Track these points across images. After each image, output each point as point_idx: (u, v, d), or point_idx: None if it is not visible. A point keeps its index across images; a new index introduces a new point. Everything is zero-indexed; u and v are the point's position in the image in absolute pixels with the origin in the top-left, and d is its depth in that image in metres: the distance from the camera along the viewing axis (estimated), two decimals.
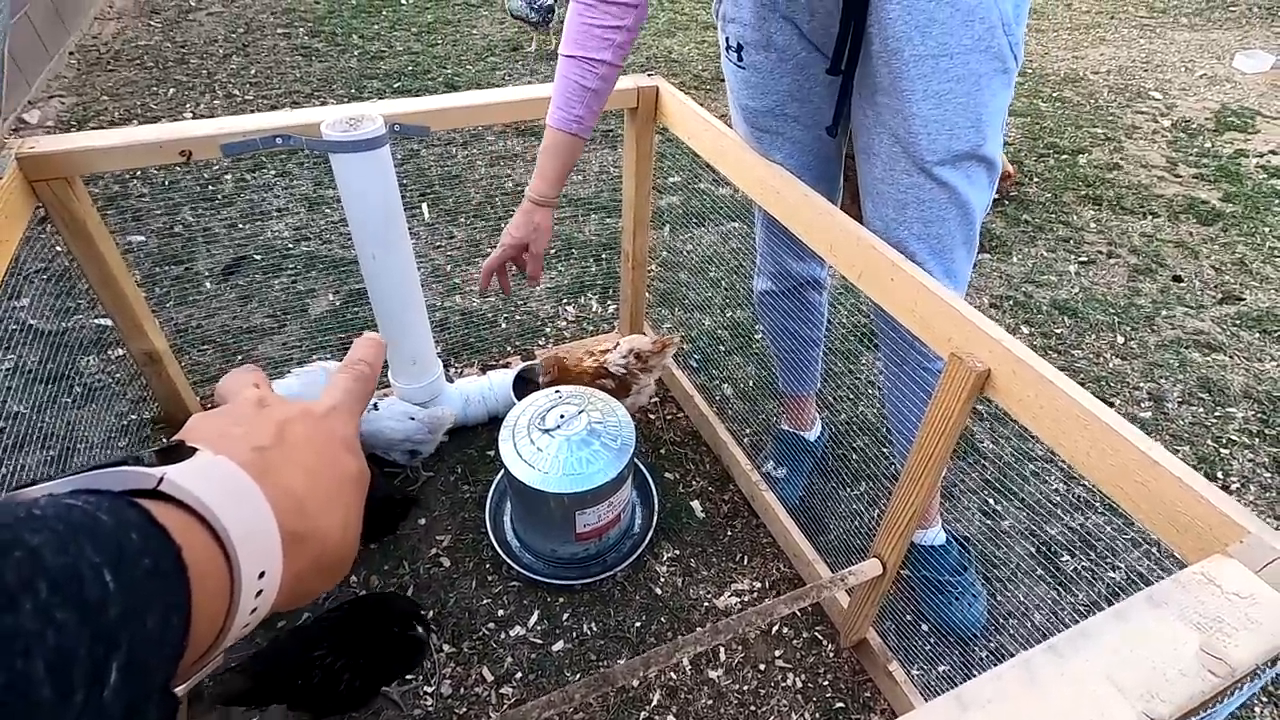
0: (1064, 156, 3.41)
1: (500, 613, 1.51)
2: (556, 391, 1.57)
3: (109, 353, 2.12)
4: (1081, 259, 2.73)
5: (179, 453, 0.33)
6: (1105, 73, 4.45)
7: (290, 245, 2.62)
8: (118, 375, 2.04)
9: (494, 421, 1.90)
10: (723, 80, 1.38)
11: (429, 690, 1.37)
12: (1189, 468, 0.75)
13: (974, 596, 1.49)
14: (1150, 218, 2.99)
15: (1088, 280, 2.61)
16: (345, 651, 1.20)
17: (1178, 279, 2.64)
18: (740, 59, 1.26)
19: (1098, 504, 1.73)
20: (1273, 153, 3.52)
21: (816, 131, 1.27)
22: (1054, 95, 4.10)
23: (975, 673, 1.41)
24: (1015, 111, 3.87)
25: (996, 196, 3.03)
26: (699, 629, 1.15)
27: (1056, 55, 4.75)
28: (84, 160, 1.26)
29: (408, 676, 1.38)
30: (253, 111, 3.58)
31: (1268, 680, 0.70)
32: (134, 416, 1.91)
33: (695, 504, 1.76)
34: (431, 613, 1.49)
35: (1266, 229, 2.92)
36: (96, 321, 2.19)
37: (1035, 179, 3.23)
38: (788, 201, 1.23)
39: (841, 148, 1.35)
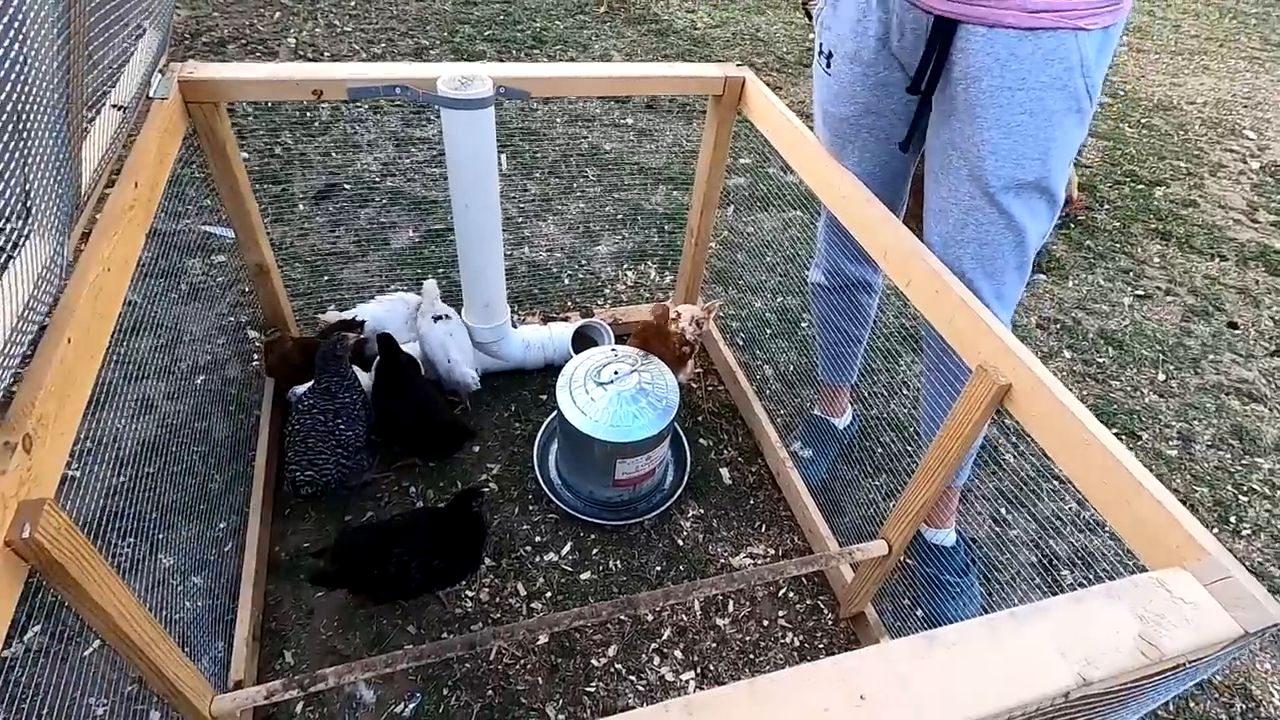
0: (1140, 186, 3.37)
1: (537, 539, 1.68)
2: (613, 350, 1.71)
3: (212, 259, 2.33)
4: (1138, 292, 2.74)
5: None
6: (1201, 104, 4.31)
7: (377, 179, 2.79)
8: (219, 280, 2.25)
9: (549, 368, 2.05)
10: (806, 65, 1.46)
11: (469, 595, 1.56)
12: (1169, 493, 0.85)
13: (970, 599, 1.60)
14: (1218, 260, 2.97)
15: (1140, 314, 2.63)
16: (419, 553, 1.38)
17: (1233, 325, 2.64)
18: (829, 66, 1.35)
19: (1108, 529, 1.82)
20: None
21: (889, 146, 1.36)
22: (1142, 121, 4.01)
23: None
24: (1097, 134, 3.81)
25: (1061, 219, 3.03)
26: (714, 575, 1.30)
27: (1153, 80, 4.61)
28: (233, 88, 1.42)
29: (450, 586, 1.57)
30: (350, 41, 3.75)
31: (1191, 686, 0.81)
32: (231, 319, 2.12)
33: (724, 471, 1.90)
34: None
35: None
36: (202, 228, 2.40)
37: (1107, 206, 3.21)
38: (852, 206, 1.33)
39: (911, 166, 1.44)
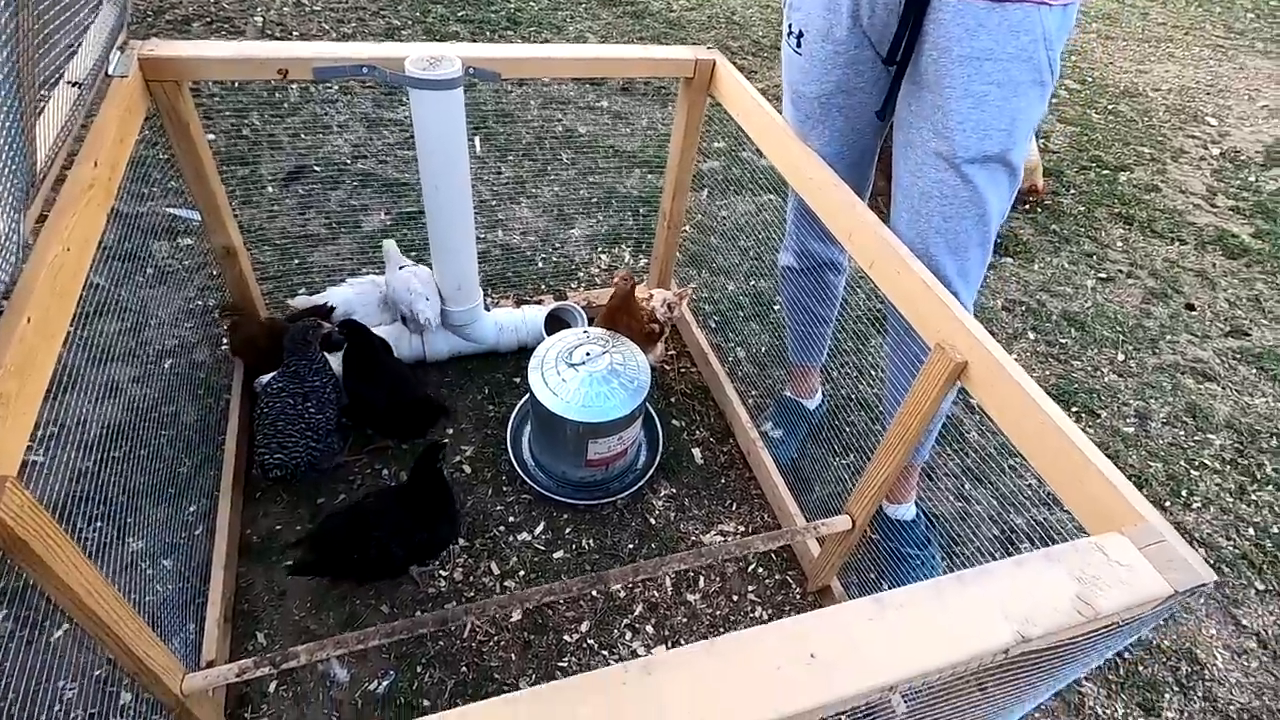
0: (1105, 172, 3.44)
1: (510, 519, 1.70)
2: (585, 331, 1.73)
3: (178, 241, 2.29)
4: (1101, 275, 2.81)
5: None
6: (1166, 91, 4.40)
7: (348, 161, 2.76)
8: (186, 263, 2.22)
9: (522, 351, 2.06)
10: (780, 48, 1.48)
11: (444, 574, 1.58)
12: (1110, 463, 0.89)
13: (931, 570, 1.65)
14: (1178, 244, 3.05)
15: (1102, 296, 2.70)
16: (398, 532, 1.39)
17: (1190, 307, 2.72)
18: (799, 46, 1.37)
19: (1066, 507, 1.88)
20: None
21: (858, 124, 1.38)
22: (1109, 108, 4.09)
23: None
24: (1065, 120, 3.88)
25: (1029, 204, 3.09)
26: (684, 550, 1.32)
27: (1120, 66, 4.69)
28: (195, 67, 1.40)
29: (427, 560, 1.58)
30: (319, 20, 3.68)
31: (1129, 643, 0.86)
32: (200, 302, 2.09)
33: (696, 451, 1.93)
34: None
35: None
36: (168, 210, 2.36)
37: (1072, 190, 3.27)
38: (818, 187, 1.36)
39: (878, 144, 1.46)
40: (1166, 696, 1.56)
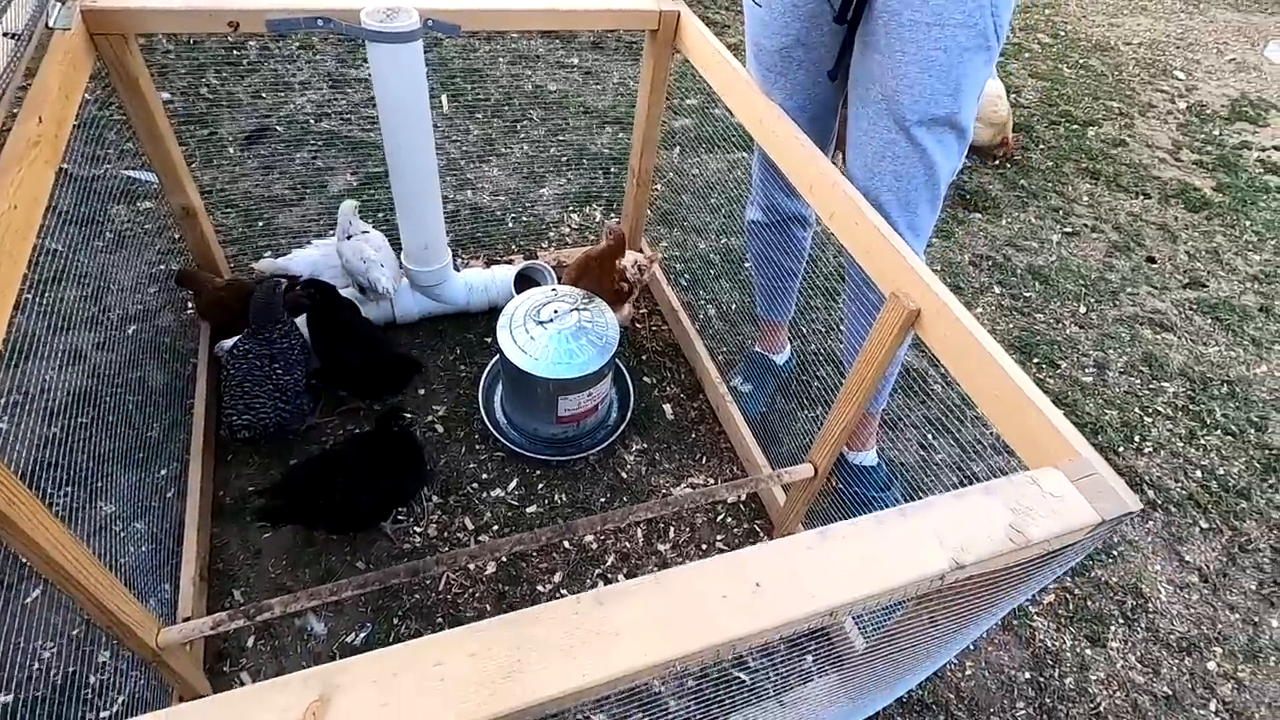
0: (1074, 127, 3.47)
1: (484, 476, 1.73)
2: (553, 289, 1.73)
3: (137, 205, 2.24)
4: (1066, 229, 2.85)
5: None
6: (1136, 45, 4.41)
7: (312, 121, 2.70)
8: (146, 227, 2.18)
9: (493, 311, 2.06)
10: None
11: (418, 530, 1.60)
12: (1050, 403, 0.93)
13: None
14: (1142, 198, 3.10)
15: (1067, 251, 2.75)
16: (360, 477, 1.41)
17: (1151, 260, 2.78)
18: None
19: (1011, 447, 1.94)
20: (1276, 148, 3.58)
21: (818, 78, 1.39)
22: (1080, 62, 4.09)
23: None
24: (1037, 75, 3.88)
25: (999, 159, 3.11)
26: (652, 500, 1.36)
27: (1093, 20, 4.68)
28: (141, 19, 1.36)
29: (400, 517, 1.61)
30: None
31: (1066, 569, 0.91)
32: (162, 266, 2.06)
33: (666, 407, 1.96)
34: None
35: (1247, 222, 3.04)
36: (125, 173, 2.30)
37: (1042, 145, 3.30)
38: (780, 140, 1.36)
39: (840, 96, 1.46)
40: (1112, 628, 1.65)
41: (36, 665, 1.30)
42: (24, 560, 0.86)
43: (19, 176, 0.96)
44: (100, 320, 1.89)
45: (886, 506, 1.71)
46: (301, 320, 1.72)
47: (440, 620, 1.47)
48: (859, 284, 1.40)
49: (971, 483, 1.85)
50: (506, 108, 2.97)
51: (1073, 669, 1.57)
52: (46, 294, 1.91)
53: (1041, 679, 1.54)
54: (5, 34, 1.04)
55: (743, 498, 1.77)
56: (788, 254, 1.71)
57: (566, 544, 1.63)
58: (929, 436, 1.98)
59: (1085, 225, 2.90)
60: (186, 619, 1.33)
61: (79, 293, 1.94)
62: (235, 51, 2.95)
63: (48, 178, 1.09)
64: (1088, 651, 1.60)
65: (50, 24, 1.22)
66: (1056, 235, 2.82)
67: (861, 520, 0.75)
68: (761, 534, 1.72)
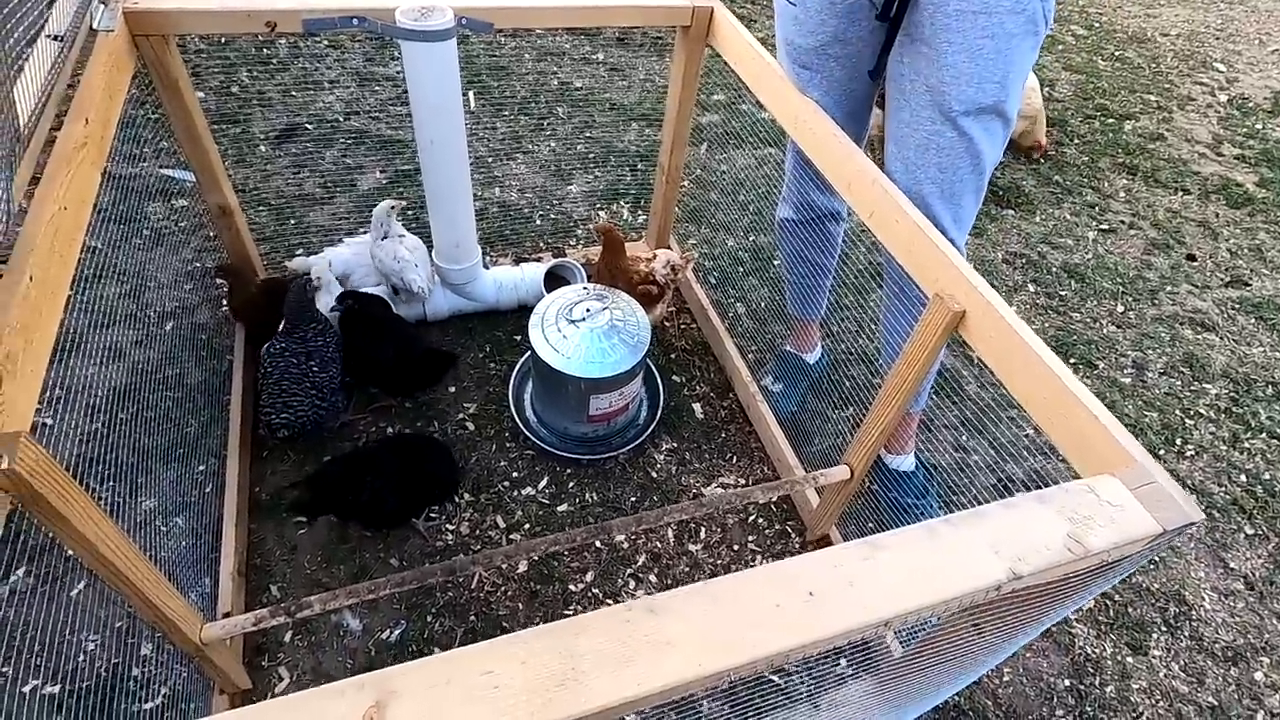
0: (1110, 121, 3.39)
1: (514, 474, 1.73)
2: (585, 287, 1.73)
3: (173, 203, 2.27)
4: (1103, 226, 2.79)
5: None
6: (1174, 36, 4.30)
7: (341, 119, 2.72)
8: (182, 225, 2.21)
9: (523, 309, 2.07)
10: None
11: (450, 528, 1.61)
12: (1104, 407, 0.91)
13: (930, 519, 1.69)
14: (1181, 194, 3.02)
15: (1103, 248, 2.69)
16: (390, 479, 1.42)
17: (1191, 258, 2.71)
18: None
19: (1060, 454, 1.91)
20: None
21: (855, 74, 1.36)
22: (1116, 54, 3.99)
23: None
24: (1071, 68, 3.80)
25: (1035, 156, 3.05)
26: (686, 501, 1.35)
27: (1129, 11, 4.56)
28: (181, 20, 1.37)
29: (433, 514, 1.61)
30: None
31: (1118, 581, 0.88)
32: (198, 264, 2.09)
33: (696, 406, 1.95)
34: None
35: None
36: (162, 171, 2.33)
37: (1076, 140, 3.22)
38: (817, 137, 1.34)
39: (875, 92, 1.44)
40: (1154, 636, 1.61)
41: (82, 657, 1.33)
42: (70, 553, 0.87)
43: (68, 178, 0.98)
44: (139, 317, 1.92)
45: (923, 514, 1.70)
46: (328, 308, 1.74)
47: (473, 618, 1.48)
48: (898, 282, 1.38)
49: (1010, 486, 1.83)
50: (533, 105, 2.96)
51: (1114, 677, 1.53)
52: (87, 291, 1.95)
53: (1082, 687, 1.51)
54: (51, 36, 1.05)
55: (775, 499, 1.75)
56: (820, 251, 1.69)
57: (598, 543, 1.63)
58: (964, 437, 1.95)
59: (1122, 222, 2.83)
60: (227, 614, 1.35)
61: (118, 289, 1.97)
62: (266, 50, 2.97)
63: (95, 179, 1.10)
64: (1129, 660, 1.56)
65: (94, 26, 1.24)
66: (1092, 232, 2.76)
67: (912, 529, 0.74)
68: (793, 534, 1.71)
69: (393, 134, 2.66)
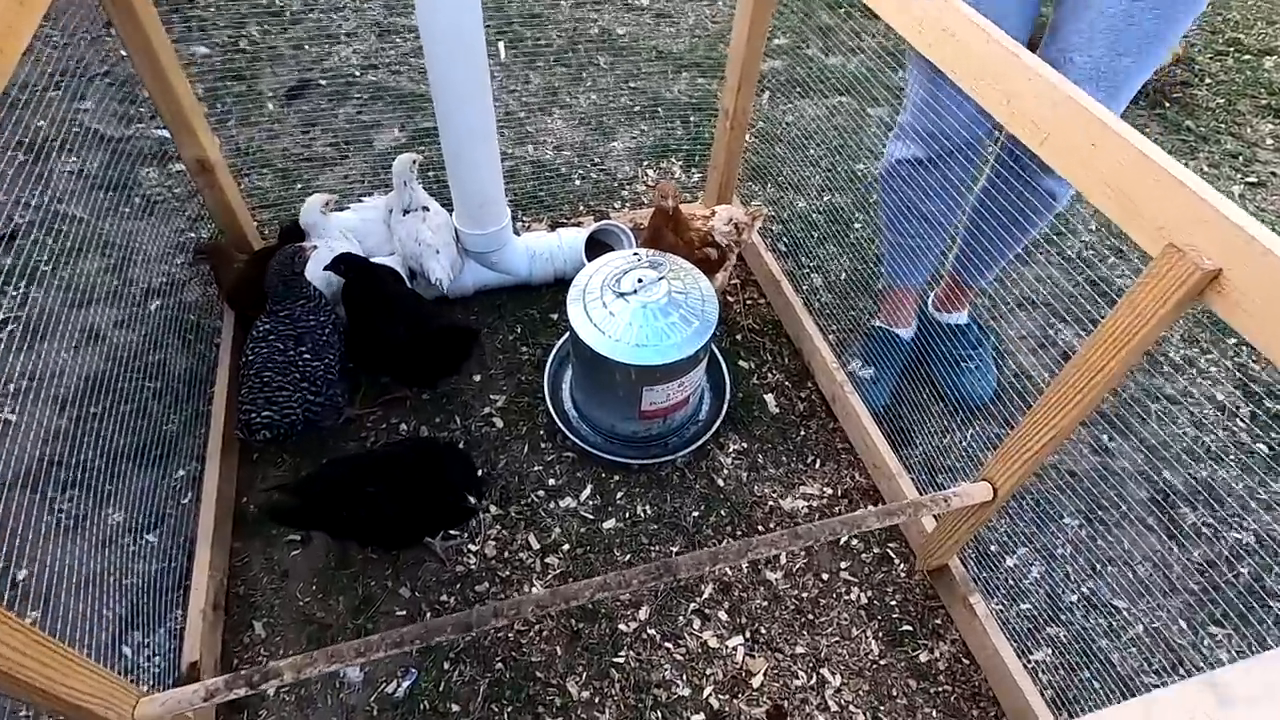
0: (1247, 57, 2.88)
1: (551, 482, 1.43)
2: (635, 254, 1.40)
3: (169, 166, 2.02)
4: (1249, 179, 2.33)
5: None
6: None
7: (358, 73, 2.43)
8: (177, 190, 1.95)
9: (560, 284, 1.75)
10: None
11: (473, 549, 1.32)
12: None
13: (985, 371, 1.57)
14: None
15: (1254, 206, 2.24)
16: (397, 495, 1.13)
17: None
18: None
19: (1232, 458, 1.52)
20: None
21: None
22: None
23: (1063, 614, 1.28)
24: None
25: (1163, 96, 2.60)
26: (775, 532, 1.02)
27: None
28: None
29: (452, 531, 1.32)
30: None
31: None
32: (191, 234, 1.83)
33: (769, 397, 1.61)
34: (480, 472, 1.41)
35: None
36: (157, 132, 2.08)
37: (1207, 81, 2.74)
38: (960, 42, 0.98)
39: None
40: None
41: None
42: None
43: None
44: (122, 294, 1.67)
45: (978, 367, 1.53)
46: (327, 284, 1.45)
47: (500, 665, 1.19)
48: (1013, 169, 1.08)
49: (1168, 500, 1.45)
50: (570, 54, 2.63)
51: None
52: (67, 266, 1.71)
53: None
54: None
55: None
56: (945, 198, 1.35)
57: (656, 584, 1.31)
58: (1104, 437, 1.57)
59: (1274, 174, 2.36)
60: (193, 665, 1.08)
61: (101, 263, 1.73)
62: (279, 2, 2.70)
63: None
64: None
65: None
66: (1238, 186, 2.30)
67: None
68: (895, 559, 1.37)
69: (413, 88, 2.36)
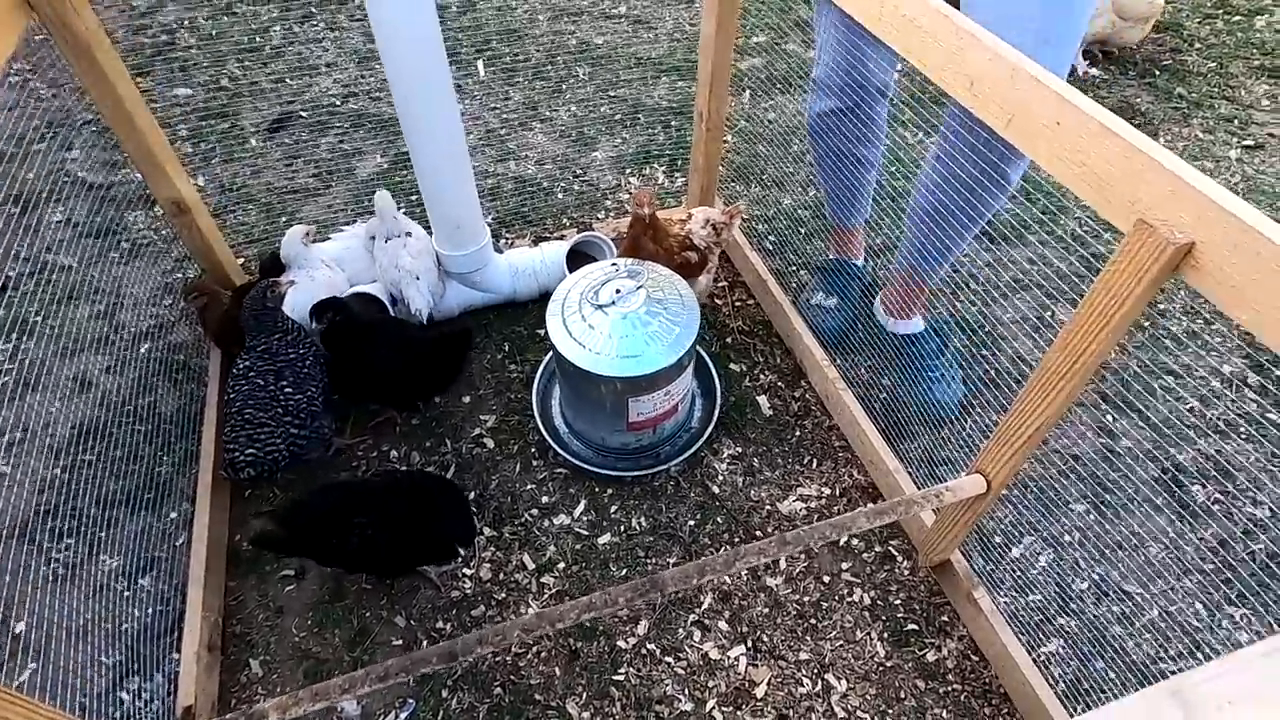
0: (1237, 18, 2.82)
1: (544, 500, 1.41)
2: (613, 264, 1.39)
3: (154, 210, 2.03)
4: (1246, 142, 2.28)
5: None
6: None
7: (338, 102, 2.44)
8: (164, 232, 1.96)
9: (544, 298, 1.74)
10: None
11: (467, 573, 1.31)
12: None
13: (951, 378, 1.52)
14: None
15: (1252, 168, 2.19)
16: (389, 526, 1.11)
17: None
18: None
19: (1241, 431, 1.48)
20: None
21: None
22: None
23: (1073, 604, 1.24)
24: None
25: (1153, 64, 2.55)
26: (764, 539, 1.00)
27: None
28: None
29: (444, 561, 1.31)
30: None
31: None
32: (179, 275, 1.84)
33: (762, 399, 1.59)
34: (472, 494, 1.40)
35: None
36: (140, 176, 2.10)
37: (1197, 45, 2.69)
38: (923, 30, 0.95)
39: None
40: None
41: None
42: None
43: None
44: (111, 340, 1.68)
45: (943, 375, 1.44)
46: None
47: (498, 689, 1.17)
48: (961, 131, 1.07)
49: (1177, 480, 1.40)
50: (549, 67, 2.62)
51: None
52: (56, 315, 1.72)
53: None
54: None
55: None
56: (863, 141, 1.41)
57: (643, 601, 1.29)
58: (1108, 418, 1.53)
59: (1271, 135, 2.31)
60: (189, 709, 1.07)
61: (90, 310, 1.74)
62: (258, 38, 2.72)
63: None
64: None
65: None
66: (1234, 150, 2.25)
67: None
68: (898, 557, 1.34)
69: (393, 113, 2.36)
